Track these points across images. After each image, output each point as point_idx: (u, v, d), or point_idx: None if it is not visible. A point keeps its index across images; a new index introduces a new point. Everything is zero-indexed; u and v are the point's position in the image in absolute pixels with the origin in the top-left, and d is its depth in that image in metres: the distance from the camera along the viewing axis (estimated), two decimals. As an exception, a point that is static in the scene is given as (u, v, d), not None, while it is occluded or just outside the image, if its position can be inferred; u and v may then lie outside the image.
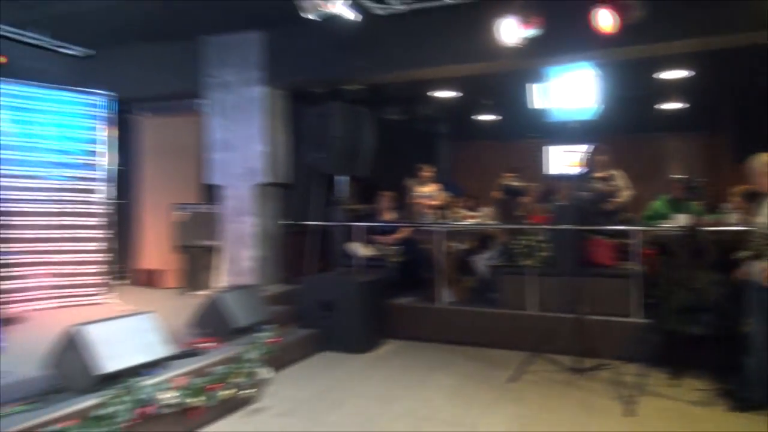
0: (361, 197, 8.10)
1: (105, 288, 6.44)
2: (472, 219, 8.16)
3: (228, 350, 4.50)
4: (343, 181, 6.79)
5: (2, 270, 5.78)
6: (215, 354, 4.41)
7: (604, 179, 6.19)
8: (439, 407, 4.47)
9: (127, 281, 7.72)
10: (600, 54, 5.46)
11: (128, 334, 3.69)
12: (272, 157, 6.86)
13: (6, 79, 5.99)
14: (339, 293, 6.07)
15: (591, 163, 6.05)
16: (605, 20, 4.82)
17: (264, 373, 4.61)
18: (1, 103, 5.83)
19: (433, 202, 7.96)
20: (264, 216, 6.94)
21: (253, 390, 4.49)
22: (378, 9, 5.57)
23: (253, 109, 6.81)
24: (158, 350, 3.83)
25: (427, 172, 8.09)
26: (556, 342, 5.27)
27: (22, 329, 5.31)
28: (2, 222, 5.80)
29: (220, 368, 4.23)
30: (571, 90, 5.22)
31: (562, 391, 4.81)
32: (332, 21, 5.08)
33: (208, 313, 4.85)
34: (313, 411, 4.38)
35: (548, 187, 8.98)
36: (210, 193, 7.24)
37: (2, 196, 5.78)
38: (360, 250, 7.17)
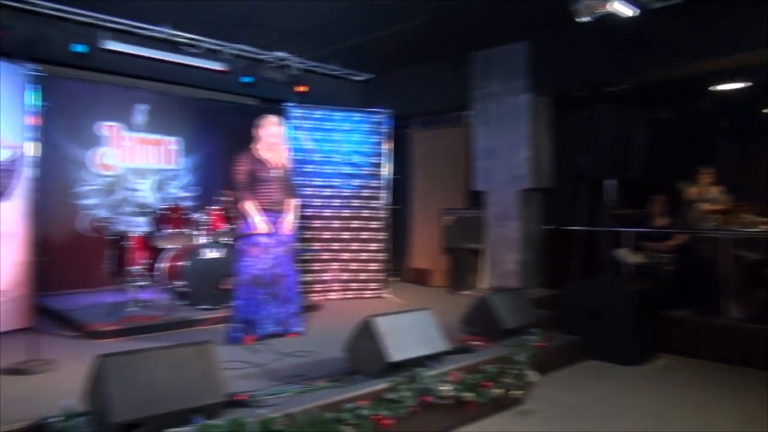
0: (630, 201, 7.46)
1: (383, 283, 7.00)
2: (766, 225, 6.92)
3: (498, 350, 4.49)
4: (610, 185, 6.33)
5: (306, 265, 6.67)
6: (486, 353, 4.43)
7: None
8: (732, 436, 3.85)
9: (398, 278, 8.23)
10: None
11: (411, 328, 3.90)
12: (536, 163, 6.72)
13: (307, 105, 6.91)
14: (606, 301, 5.64)
15: None
16: None
17: (531, 375, 4.48)
18: (305, 125, 6.73)
19: (714, 207, 6.95)
20: (527, 220, 6.83)
21: (520, 391, 4.40)
22: (655, 3, 5.07)
23: (517, 117, 6.77)
24: (437, 344, 3.98)
25: (705, 173, 7.10)
26: None
27: (319, 316, 6.03)
28: (306, 225, 6.70)
29: (490, 367, 4.23)
30: None
31: None
32: (600, 22, 4.77)
33: (478, 313, 4.91)
34: (583, 420, 4.13)
35: None
36: (475, 198, 7.38)
37: (307, 203, 6.68)
38: (629, 256, 6.60)
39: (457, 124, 7.75)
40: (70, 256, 6.69)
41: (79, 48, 5.65)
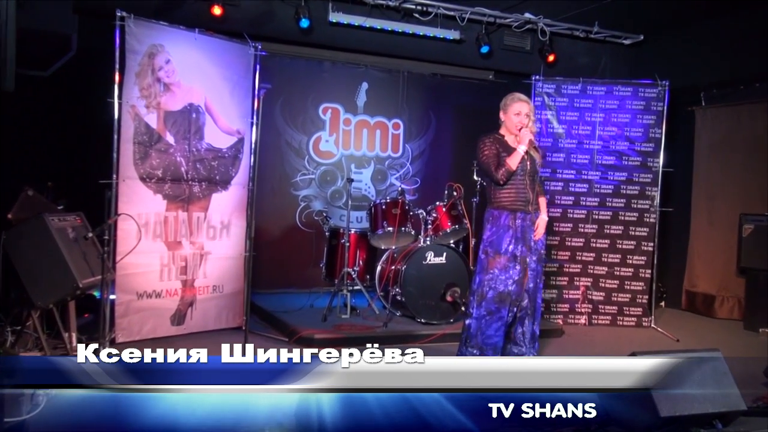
0: None
1: (647, 309, 6.53)
2: None
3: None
4: None
5: (547, 279, 6.42)
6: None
7: None
8: None
9: (662, 303, 7.58)
10: None
11: (694, 374, 3.48)
12: None
13: (557, 78, 6.64)
14: None
15: None
16: None
17: None
18: (554, 102, 6.49)
19: None
20: None
21: None
22: None
23: None
24: (730, 400, 3.50)
25: None
26: None
27: (561, 343, 5.74)
28: (551, 228, 6.43)
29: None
30: None
31: None
32: None
33: (795, 363, 4.24)
34: None
35: None
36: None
37: (553, 201, 6.44)
38: None
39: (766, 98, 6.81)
40: (282, 251, 7.36)
41: (304, 23, 6.12)
